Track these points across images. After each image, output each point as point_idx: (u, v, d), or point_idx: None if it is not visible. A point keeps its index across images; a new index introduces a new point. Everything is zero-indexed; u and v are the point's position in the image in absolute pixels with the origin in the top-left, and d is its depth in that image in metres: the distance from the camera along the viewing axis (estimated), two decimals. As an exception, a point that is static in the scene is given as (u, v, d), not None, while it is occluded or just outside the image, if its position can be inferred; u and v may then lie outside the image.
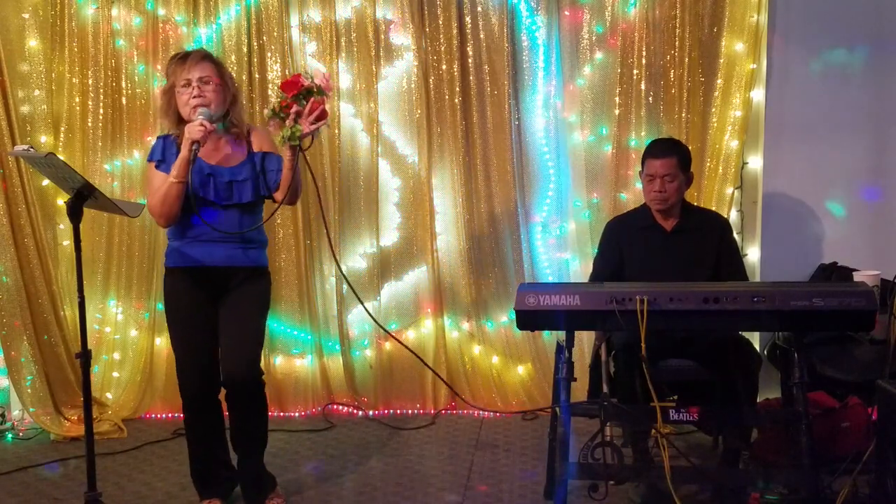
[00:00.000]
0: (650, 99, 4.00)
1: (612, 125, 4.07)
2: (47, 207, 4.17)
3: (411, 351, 3.61)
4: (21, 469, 3.62)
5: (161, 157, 2.95)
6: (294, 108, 2.74)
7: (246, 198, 2.97)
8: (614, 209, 4.00)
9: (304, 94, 2.76)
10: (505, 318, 4.26)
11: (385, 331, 3.87)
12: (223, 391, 3.04)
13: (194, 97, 2.89)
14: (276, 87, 4.06)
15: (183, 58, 2.93)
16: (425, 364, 3.84)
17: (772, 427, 3.26)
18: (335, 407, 4.34)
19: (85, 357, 2.71)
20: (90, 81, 4.16)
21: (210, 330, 3.01)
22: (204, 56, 2.96)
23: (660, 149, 3.26)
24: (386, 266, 4.31)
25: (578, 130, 4.17)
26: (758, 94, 3.97)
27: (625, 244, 3.32)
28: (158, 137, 3.02)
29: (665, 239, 3.27)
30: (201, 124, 2.81)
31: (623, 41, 4.01)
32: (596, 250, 3.49)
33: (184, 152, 2.82)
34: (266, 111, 2.82)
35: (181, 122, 2.94)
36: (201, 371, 3.00)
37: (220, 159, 2.97)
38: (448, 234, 4.29)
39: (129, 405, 4.26)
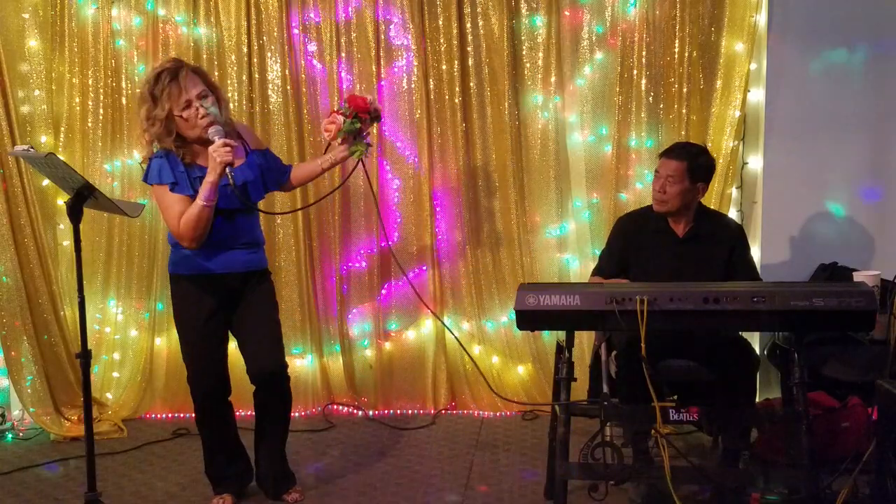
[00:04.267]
0: (650, 99, 4.00)
1: (612, 125, 4.07)
2: (47, 207, 4.17)
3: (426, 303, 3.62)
4: (21, 469, 3.62)
5: (173, 178, 2.86)
6: (366, 130, 2.99)
7: (258, 197, 3.05)
8: (614, 209, 4.00)
9: (374, 118, 2.99)
10: (505, 318, 4.26)
11: (432, 312, 4.08)
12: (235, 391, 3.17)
13: (202, 118, 2.81)
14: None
15: (173, 78, 2.81)
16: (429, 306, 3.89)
17: (772, 427, 3.26)
18: (335, 407, 4.33)
19: (85, 357, 2.72)
20: (90, 81, 4.16)
21: (224, 335, 3.10)
22: (192, 70, 2.86)
23: (673, 150, 3.23)
24: (386, 266, 4.31)
25: (578, 130, 4.17)
26: (757, 94, 3.96)
27: (633, 244, 3.28)
28: (156, 157, 2.89)
29: (675, 245, 3.23)
30: (225, 144, 2.76)
31: (623, 41, 4.01)
32: (596, 250, 3.48)
33: (213, 177, 2.77)
34: (343, 126, 2.93)
35: (178, 137, 2.87)
36: (218, 375, 3.10)
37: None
38: (448, 234, 4.29)
39: (129, 405, 4.26)
